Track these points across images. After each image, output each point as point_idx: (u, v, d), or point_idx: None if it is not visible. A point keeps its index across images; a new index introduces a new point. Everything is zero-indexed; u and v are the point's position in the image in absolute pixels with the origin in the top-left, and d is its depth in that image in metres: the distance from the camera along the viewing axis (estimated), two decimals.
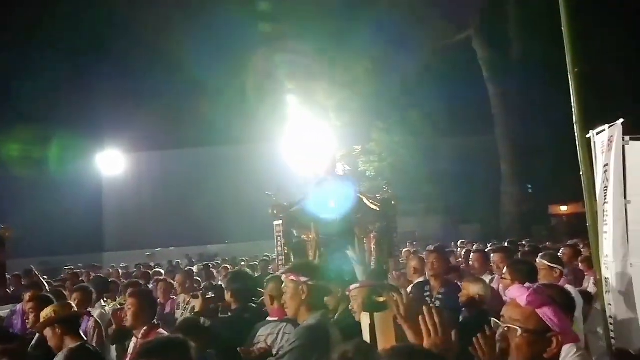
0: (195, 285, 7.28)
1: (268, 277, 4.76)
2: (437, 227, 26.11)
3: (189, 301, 6.87)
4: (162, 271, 10.69)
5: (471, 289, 4.73)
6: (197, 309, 4.77)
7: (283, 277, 3.56)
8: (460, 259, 9.23)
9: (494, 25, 23.54)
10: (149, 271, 12.14)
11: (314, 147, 9.64)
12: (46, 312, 3.89)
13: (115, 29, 24.05)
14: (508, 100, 23.67)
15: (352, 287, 3.83)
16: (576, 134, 4.01)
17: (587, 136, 4.29)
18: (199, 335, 3.46)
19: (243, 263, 14.10)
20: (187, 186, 26.78)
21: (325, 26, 23.16)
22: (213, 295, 5.36)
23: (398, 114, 23.38)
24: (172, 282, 7.21)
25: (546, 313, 2.07)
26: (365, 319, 2.87)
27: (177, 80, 23.90)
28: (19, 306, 6.17)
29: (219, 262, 16.10)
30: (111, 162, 25.39)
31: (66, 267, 14.81)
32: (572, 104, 4.04)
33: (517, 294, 2.13)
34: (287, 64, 22.50)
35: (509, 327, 2.09)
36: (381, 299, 3.09)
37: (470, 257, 7.61)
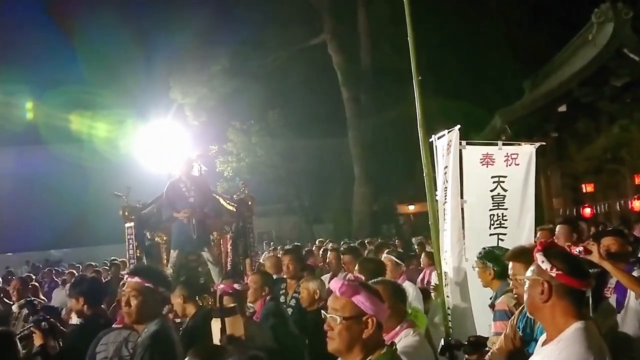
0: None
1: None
2: (292, 227, 26.58)
3: (20, 311, 6.33)
4: None
5: (310, 287, 4.95)
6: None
7: (129, 279, 3.39)
8: (319, 259, 9.48)
9: (346, 32, 24.46)
10: None
11: (168, 146, 9.37)
12: None
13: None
14: (360, 105, 24.72)
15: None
16: (420, 138, 4.26)
17: (430, 140, 4.60)
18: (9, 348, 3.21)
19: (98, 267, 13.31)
20: (25, 186, 24.66)
21: (182, 23, 22.61)
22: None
23: (256, 114, 23.43)
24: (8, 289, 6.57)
25: (359, 300, 2.30)
26: (215, 324, 2.89)
27: (20, 71, 22.06)
28: None
29: (65, 267, 15.08)
30: None
31: None
32: (417, 110, 4.28)
33: (334, 286, 2.36)
34: (143, 60, 21.66)
35: (331, 317, 2.31)
36: (231, 305, 3.10)
37: (327, 256, 7.86)
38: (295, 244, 12.08)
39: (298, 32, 24.35)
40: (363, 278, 2.61)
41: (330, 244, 11.18)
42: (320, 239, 14.45)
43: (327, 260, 7.94)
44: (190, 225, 6.50)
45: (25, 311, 5.74)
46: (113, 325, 3.85)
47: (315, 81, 24.26)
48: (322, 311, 2.41)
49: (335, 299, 2.33)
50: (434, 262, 4.98)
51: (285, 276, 5.88)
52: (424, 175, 4.26)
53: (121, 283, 5.37)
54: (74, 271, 12.07)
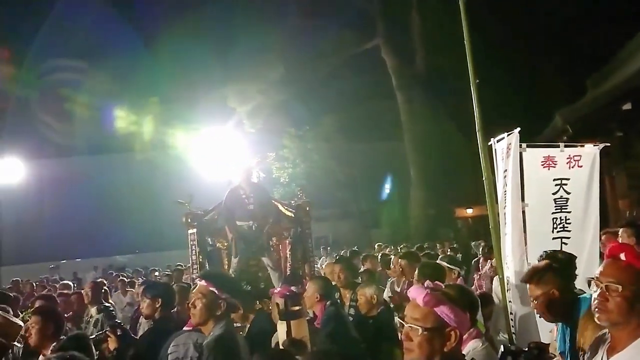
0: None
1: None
2: (349, 232, 26.61)
3: (91, 314, 6.60)
4: (71, 283, 10.18)
5: (367, 293, 4.96)
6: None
7: (198, 282, 3.53)
8: (378, 263, 9.46)
9: (401, 35, 24.35)
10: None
11: (227, 153, 9.59)
12: None
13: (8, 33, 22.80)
14: (415, 108, 24.54)
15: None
16: (478, 142, 4.23)
17: (489, 143, 4.55)
18: (85, 352, 3.35)
19: (157, 273, 13.74)
20: (94, 194, 25.66)
21: (237, 34, 23.07)
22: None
23: (311, 120, 23.64)
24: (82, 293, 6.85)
25: (443, 311, 2.21)
26: (282, 327, 2.93)
27: (79, 83, 22.96)
28: None
29: (130, 273, 15.58)
30: (9, 170, 23.83)
31: None
32: (475, 113, 4.25)
33: (415, 294, 2.27)
34: (199, 70, 22.20)
35: (411, 327, 2.21)
36: (296, 308, 3.16)
37: (392, 262, 7.85)
38: (354, 249, 12.10)
39: (352, 37, 24.45)
40: (442, 286, 2.53)
41: (388, 249, 11.16)
42: (379, 243, 14.44)
43: (392, 267, 7.90)
44: (250, 231, 6.65)
45: (96, 315, 6.00)
46: (184, 328, 3.98)
47: (369, 85, 24.26)
48: (399, 319, 2.35)
49: (415, 308, 2.23)
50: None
51: (338, 285, 5.89)
52: (484, 179, 4.22)
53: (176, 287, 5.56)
54: (125, 278, 12.45)
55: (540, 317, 3.45)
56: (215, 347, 3.24)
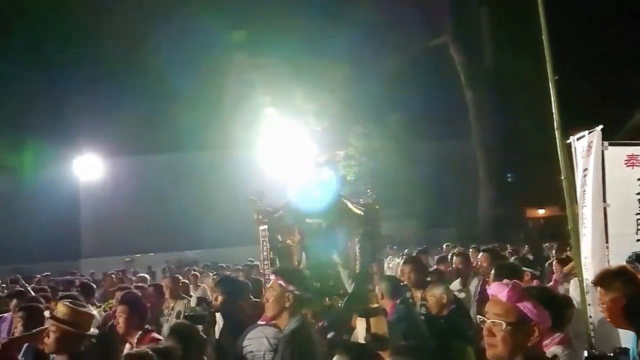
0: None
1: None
2: (414, 231, 26.32)
3: (173, 306, 6.88)
4: (147, 276, 10.65)
5: (436, 293, 4.92)
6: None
7: (271, 277, 3.64)
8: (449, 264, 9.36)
9: (470, 32, 23.90)
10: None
11: (295, 151, 9.72)
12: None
13: (90, 33, 23.83)
14: (485, 105, 24.03)
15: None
16: (557, 140, 4.13)
17: (568, 141, 4.43)
18: (192, 341, 3.48)
19: (228, 270, 14.08)
20: (165, 191, 26.57)
21: (304, 32, 23.28)
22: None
23: (377, 118, 23.57)
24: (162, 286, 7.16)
25: (525, 305, 2.24)
26: (361, 324, 2.99)
27: (155, 84, 23.74)
28: (7, 315, 6.12)
29: (202, 268, 16.01)
30: (88, 168, 25.05)
31: (37, 276, 14.59)
32: (553, 111, 4.15)
33: (497, 290, 2.30)
34: (266, 69, 22.57)
35: (494, 322, 2.24)
36: (375, 305, 3.21)
37: (454, 260, 7.76)
38: (421, 248, 12.00)
39: (418, 35, 24.19)
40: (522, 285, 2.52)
41: (456, 249, 11.00)
42: (447, 243, 14.27)
43: (454, 265, 7.83)
44: (320, 229, 6.72)
45: (177, 307, 6.26)
46: (258, 322, 4.09)
47: (436, 83, 23.94)
48: (479, 316, 2.37)
49: (497, 304, 2.27)
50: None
51: (408, 284, 5.88)
52: (562, 178, 4.12)
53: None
54: (197, 273, 12.79)
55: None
56: (291, 341, 3.32)
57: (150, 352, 2.62)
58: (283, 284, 3.49)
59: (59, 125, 24.52)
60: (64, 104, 24.42)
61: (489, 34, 23.64)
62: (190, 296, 7.37)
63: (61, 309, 3.49)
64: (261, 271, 8.10)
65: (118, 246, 25.19)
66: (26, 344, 4.27)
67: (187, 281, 8.85)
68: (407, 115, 23.91)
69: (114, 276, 13.58)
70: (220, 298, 4.74)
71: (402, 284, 5.37)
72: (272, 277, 3.61)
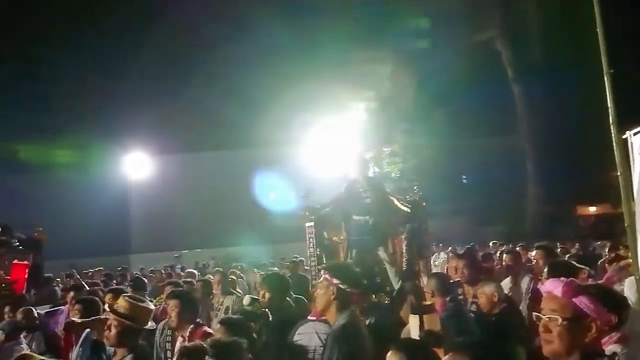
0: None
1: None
2: (460, 229, 25.95)
3: (222, 301, 7.01)
4: (195, 272, 10.85)
5: (487, 291, 4.85)
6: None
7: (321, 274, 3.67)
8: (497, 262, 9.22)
9: (518, 26, 23.39)
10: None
11: (342, 148, 9.74)
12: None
13: (140, 32, 24.35)
14: (533, 101, 23.49)
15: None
16: (613, 135, 4.02)
17: (624, 137, 4.29)
18: (245, 335, 3.54)
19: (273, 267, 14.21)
20: (212, 188, 26.96)
21: (349, 27, 23.24)
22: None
23: (422, 114, 23.30)
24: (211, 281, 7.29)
25: (582, 301, 2.22)
26: (414, 320, 2.98)
27: (203, 82, 24.14)
28: (64, 307, 6.37)
29: (244, 264, 16.22)
30: (137, 165, 25.70)
31: (90, 270, 15.07)
32: (608, 105, 4.04)
33: (552, 286, 2.30)
34: (313, 65, 22.65)
35: (549, 318, 2.23)
36: (428, 302, 3.19)
37: (504, 257, 7.64)
38: (469, 245, 11.85)
39: (464, 29, 23.83)
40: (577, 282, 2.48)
41: (504, 247, 10.83)
42: (494, 241, 14.04)
43: (503, 263, 7.71)
44: (366, 225, 6.71)
45: (226, 303, 6.37)
46: (307, 317, 4.12)
47: (484, 78, 23.52)
48: (535, 313, 2.35)
49: (552, 300, 2.26)
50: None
51: (462, 280, 5.83)
52: (618, 174, 4.00)
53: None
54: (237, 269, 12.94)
55: None
56: (340, 336, 3.33)
57: (205, 345, 2.68)
58: (333, 281, 3.51)
59: (111, 125, 25.24)
60: (115, 102, 25.03)
61: (539, 26, 23.06)
62: (238, 292, 7.48)
63: (122, 303, 3.56)
64: (307, 268, 8.17)
65: (166, 242, 25.78)
66: (87, 330, 4.44)
67: (234, 277, 9.00)
68: (452, 110, 23.59)
69: (162, 271, 13.96)
70: (267, 295, 4.80)
71: (450, 280, 5.32)
72: (323, 273, 3.64)
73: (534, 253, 6.33)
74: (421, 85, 23.69)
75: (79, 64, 24.21)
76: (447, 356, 2.00)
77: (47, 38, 23.81)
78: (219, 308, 6.61)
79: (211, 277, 7.87)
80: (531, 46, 23.63)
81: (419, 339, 2.86)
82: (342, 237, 7.30)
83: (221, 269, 9.76)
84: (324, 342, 3.67)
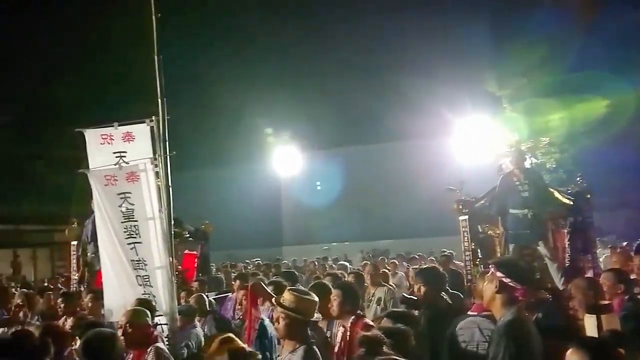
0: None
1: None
2: (626, 223, 23.77)
3: (374, 293, 7.10)
4: (347, 264, 11.10)
5: None
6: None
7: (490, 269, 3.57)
8: None
9: None
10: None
11: (495, 140, 9.41)
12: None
13: (293, 28, 25.08)
14: None
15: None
16: None
17: None
18: (411, 326, 3.56)
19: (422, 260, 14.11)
20: (361, 183, 27.24)
21: (495, 15, 22.26)
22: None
23: (580, 101, 21.61)
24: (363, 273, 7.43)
25: None
26: (591, 320, 2.81)
27: (351, 77, 24.44)
28: (232, 295, 6.87)
29: (394, 257, 16.23)
30: (289, 162, 26.72)
31: (247, 261, 15.98)
32: None
33: None
34: (458, 55, 22.05)
35: None
36: (606, 302, 2.98)
37: None
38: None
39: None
40: None
41: None
42: None
43: None
44: (525, 219, 6.44)
45: (377, 294, 6.45)
46: (468, 312, 4.05)
47: None
48: None
49: None
50: None
51: (637, 278, 5.37)
52: None
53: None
54: (396, 262, 12.95)
55: None
56: (506, 333, 3.22)
57: (381, 335, 2.71)
58: (497, 274, 3.40)
59: (266, 122, 26.65)
60: (270, 99, 26.08)
61: None
62: (390, 284, 7.52)
63: (288, 297, 3.66)
64: (461, 263, 8.01)
65: (316, 235, 26.62)
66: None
67: (386, 270, 9.07)
68: (615, 96, 21.59)
69: (315, 263, 14.44)
70: (422, 289, 4.77)
71: (625, 278, 4.91)
72: (491, 268, 3.52)
73: None
74: (579, 72, 22.01)
75: (235, 62, 25.38)
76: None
77: (200, 30, 25.08)
78: (371, 299, 6.72)
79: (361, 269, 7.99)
80: None
81: (600, 338, 2.68)
82: (498, 231, 7.07)
83: (369, 262, 9.91)
84: (486, 337, 3.58)
